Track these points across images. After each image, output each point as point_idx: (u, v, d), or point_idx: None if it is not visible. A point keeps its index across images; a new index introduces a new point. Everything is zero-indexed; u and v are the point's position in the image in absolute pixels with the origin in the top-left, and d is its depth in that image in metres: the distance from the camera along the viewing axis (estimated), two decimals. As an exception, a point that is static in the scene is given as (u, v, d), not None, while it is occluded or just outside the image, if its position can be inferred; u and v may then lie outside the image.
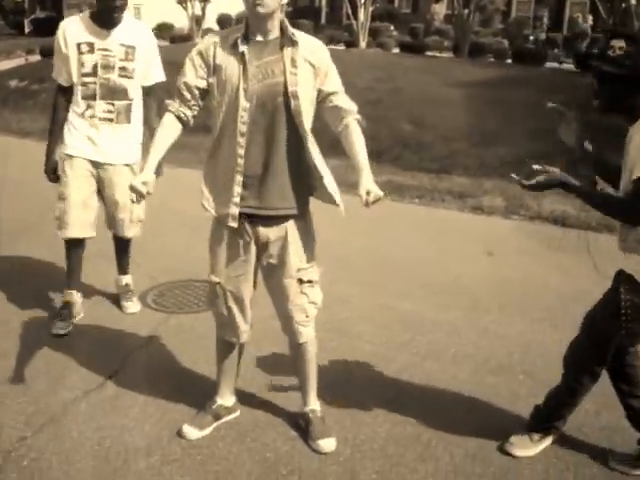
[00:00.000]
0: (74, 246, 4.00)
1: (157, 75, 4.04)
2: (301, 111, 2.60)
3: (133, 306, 4.29)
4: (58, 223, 3.93)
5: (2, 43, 30.95)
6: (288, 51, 2.59)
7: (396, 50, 21.02)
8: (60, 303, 4.10)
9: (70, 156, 3.86)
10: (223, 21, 25.49)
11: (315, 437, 2.93)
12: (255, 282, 2.89)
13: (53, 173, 3.95)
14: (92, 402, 3.23)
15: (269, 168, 2.66)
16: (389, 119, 12.39)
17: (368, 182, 2.52)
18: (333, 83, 2.71)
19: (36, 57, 23.02)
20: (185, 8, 24.33)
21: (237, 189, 2.66)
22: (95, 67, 3.77)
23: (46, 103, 15.63)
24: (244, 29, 2.60)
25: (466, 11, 19.76)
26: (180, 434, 2.97)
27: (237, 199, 2.67)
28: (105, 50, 3.78)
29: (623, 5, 16.22)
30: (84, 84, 3.79)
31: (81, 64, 3.76)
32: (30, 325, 4.03)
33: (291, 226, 2.74)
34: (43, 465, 2.77)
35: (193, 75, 2.68)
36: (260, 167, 2.66)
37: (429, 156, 10.91)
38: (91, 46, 3.76)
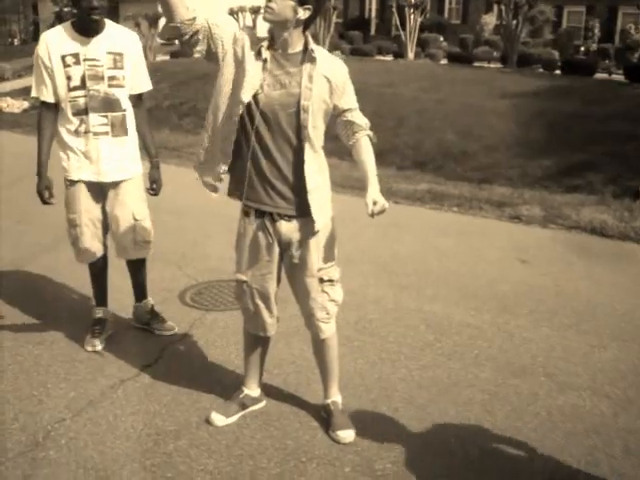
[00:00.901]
0: (95, 265, 3.96)
1: (145, 84, 3.83)
2: (307, 125, 2.75)
3: (170, 326, 4.13)
4: (73, 249, 3.88)
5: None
6: (307, 66, 2.74)
7: (444, 61, 21.07)
8: (92, 320, 4.01)
9: (73, 181, 3.71)
10: (274, 32, 25.89)
11: (335, 428, 3.06)
12: (279, 279, 3.05)
13: (47, 193, 3.70)
14: (128, 389, 3.43)
15: (281, 171, 2.82)
16: (433, 129, 12.48)
17: (375, 193, 2.66)
18: (349, 100, 2.85)
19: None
20: (237, 19, 24.85)
21: (255, 186, 2.86)
22: (83, 79, 3.54)
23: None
24: (270, 39, 2.77)
25: (514, 22, 19.70)
26: (208, 421, 3.14)
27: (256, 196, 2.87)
28: (92, 60, 3.56)
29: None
30: (73, 99, 3.55)
31: (68, 77, 3.53)
32: (72, 318, 4.26)
33: (312, 226, 2.88)
34: (80, 444, 2.97)
35: (222, 25, 2.80)
36: (272, 169, 2.81)
37: (472, 166, 10.98)
38: (76, 57, 3.53)
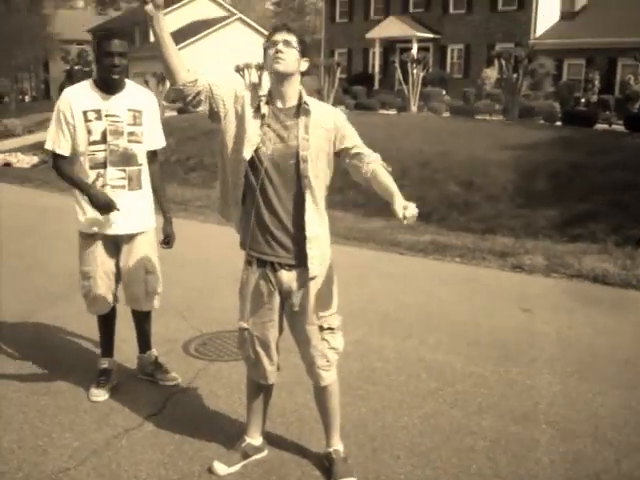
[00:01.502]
0: (104, 316, 4.00)
1: (160, 140, 3.98)
2: (308, 174, 2.86)
3: (173, 377, 4.15)
4: (85, 301, 3.93)
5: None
6: (302, 119, 2.87)
7: (447, 114, 21.38)
8: (97, 370, 4.02)
9: (88, 234, 3.80)
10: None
11: (337, 476, 3.08)
12: (281, 327, 3.11)
13: (109, 204, 3.62)
14: (132, 439, 3.46)
15: (282, 221, 2.91)
16: (437, 181, 12.64)
17: (402, 200, 2.61)
18: (352, 139, 2.93)
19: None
20: (242, 76, 25.38)
21: (257, 237, 2.96)
22: (104, 134, 3.68)
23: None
24: (267, 95, 2.90)
25: (515, 75, 20.05)
26: (210, 470, 3.15)
27: (257, 246, 2.97)
28: (113, 116, 3.70)
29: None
30: (92, 152, 3.67)
31: (88, 132, 3.65)
32: (78, 367, 4.30)
33: (314, 274, 2.95)
34: (83, 494, 2.99)
35: (222, 86, 2.94)
36: (274, 219, 2.91)
37: (475, 217, 11.10)
38: (98, 113, 3.67)
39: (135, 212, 3.80)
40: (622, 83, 24.05)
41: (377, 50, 34.06)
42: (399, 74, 23.26)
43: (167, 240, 4.05)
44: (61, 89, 47.88)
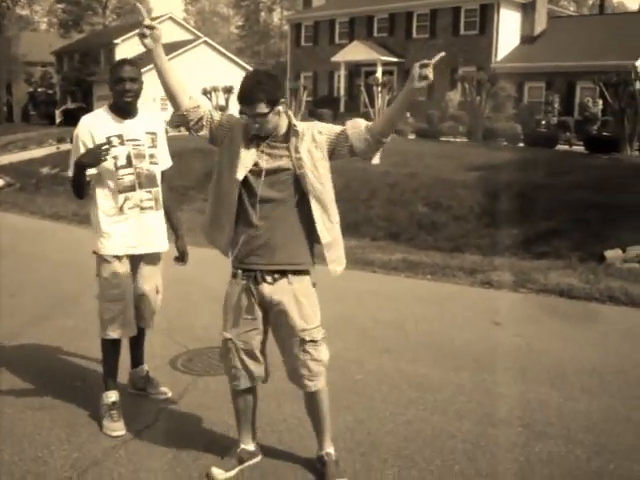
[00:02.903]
0: (118, 346, 3.98)
1: (168, 160, 4.12)
2: (311, 187, 3.11)
3: (164, 391, 4.27)
4: (110, 325, 3.85)
5: (34, 132, 32.47)
6: (293, 140, 3.12)
7: (412, 136, 21.81)
8: (106, 405, 3.91)
9: (116, 257, 3.82)
10: (246, 111, 26.68)
11: (330, 478, 3.26)
12: (266, 333, 3.30)
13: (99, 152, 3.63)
14: (130, 449, 3.60)
15: (277, 233, 3.14)
16: (405, 202, 12.93)
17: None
18: (335, 130, 3.17)
19: (67, 146, 24.16)
20: (210, 98, 25.59)
21: (243, 249, 3.17)
22: (129, 158, 3.79)
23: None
24: None
25: (478, 98, 20.60)
26: (208, 476, 3.31)
27: (244, 258, 3.17)
28: (134, 140, 3.83)
29: (627, 89, 16.91)
30: (121, 177, 3.77)
31: (114, 157, 3.73)
32: (67, 384, 4.44)
33: (295, 288, 3.17)
34: (88, 500, 3.13)
35: (218, 115, 3.19)
36: (269, 232, 3.13)
37: (443, 236, 11.39)
38: (121, 138, 3.78)
39: (158, 232, 3.95)
40: (581, 105, 24.81)
41: (342, 73, 34.60)
42: (365, 97, 23.71)
43: (181, 256, 4.18)
44: (24, 112, 47.30)
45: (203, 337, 5.31)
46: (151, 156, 3.89)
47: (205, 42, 42.22)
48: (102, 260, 3.85)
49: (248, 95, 3.01)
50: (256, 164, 3.11)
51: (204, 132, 3.16)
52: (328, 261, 3.22)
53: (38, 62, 50.34)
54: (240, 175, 3.10)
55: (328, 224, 3.20)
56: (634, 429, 3.93)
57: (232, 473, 3.34)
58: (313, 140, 3.13)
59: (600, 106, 22.06)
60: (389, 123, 3.08)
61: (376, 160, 3.18)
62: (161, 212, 3.97)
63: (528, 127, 20.79)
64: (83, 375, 4.59)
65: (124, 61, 3.87)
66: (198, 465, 3.43)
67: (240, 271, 3.21)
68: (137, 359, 4.31)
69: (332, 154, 3.17)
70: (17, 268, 7.76)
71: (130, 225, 3.81)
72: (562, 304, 6.69)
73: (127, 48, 42.59)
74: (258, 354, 3.29)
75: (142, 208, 3.84)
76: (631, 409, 4.20)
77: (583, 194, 11.78)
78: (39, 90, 49.43)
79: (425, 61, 2.92)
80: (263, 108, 3.00)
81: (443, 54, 2.94)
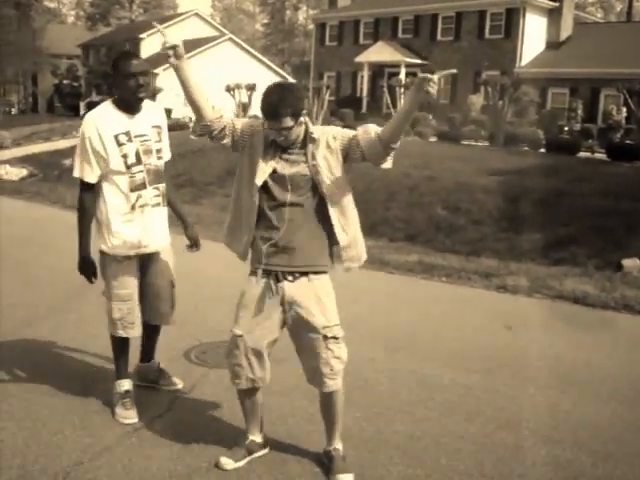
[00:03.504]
0: (127, 342, 4.00)
1: (168, 152, 4.01)
2: (328, 192, 3.19)
3: (176, 381, 4.32)
4: (120, 323, 3.85)
5: (59, 124, 32.81)
6: (310, 147, 3.19)
7: (433, 139, 21.78)
8: (119, 393, 3.96)
9: (126, 257, 3.79)
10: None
11: (336, 472, 3.31)
12: (278, 334, 3.33)
13: (93, 275, 3.83)
14: (141, 437, 3.68)
15: (297, 236, 3.20)
16: (424, 204, 12.93)
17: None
18: (348, 135, 3.21)
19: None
20: (233, 95, 25.69)
21: (265, 250, 3.22)
22: (138, 155, 3.70)
23: (100, 181, 16.67)
24: None
25: (500, 102, 20.54)
26: (217, 465, 3.38)
27: (265, 259, 3.23)
28: (141, 136, 3.73)
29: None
30: (132, 175, 3.69)
31: (124, 155, 3.66)
32: (81, 372, 4.53)
33: (316, 287, 3.24)
34: (98, 484, 3.21)
35: (239, 123, 3.26)
36: (289, 235, 3.19)
37: (461, 239, 11.38)
38: (128, 135, 3.68)
39: (163, 228, 3.92)
40: (605, 113, 24.66)
41: (366, 74, 34.61)
42: (387, 98, 23.73)
43: (194, 243, 4.13)
44: (49, 103, 47.80)
45: (217, 331, 5.36)
46: (158, 151, 3.83)
47: (230, 39, 42.39)
48: (112, 260, 3.79)
49: (273, 111, 3.05)
50: (275, 170, 3.19)
51: (226, 141, 3.26)
52: (344, 259, 3.30)
53: (64, 54, 50.85)
54: (259, 181, 3.19)
55: (346, 227, 3.27)
56: (642, 437, 3.94)
57: (241, 463, 3.40)
58: (328, 147, 3.19)
59: (624, 114, 21.91)
60: (396, 130, 3.11)
61: (388, 164, 3.21)
62: (166, 208, 3.93)
63: (550, 133, 20.67)
64: (98, 364, 4.67)
65: (129, 54, 3.77)
66: (207, 454, 3.50)
67: (260, 271, 3.27)
68: (149, 354, 4.31)
69: (346, 159, 3.22)
70: (35, 257, 7.88)
71: (141, 224, 3.76)
72: (576, 311, 6.67)
73: (153, 43, 42.92)
74: (265, 355, 3.32)
75: (152, 206, 3.79)
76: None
77: (603, 201, 11.72)
78: (65, 82, 49.93)
79: (428, 75, 2.93)
80: (288, 122, 3.07)
81: (454, 71, 2.96)
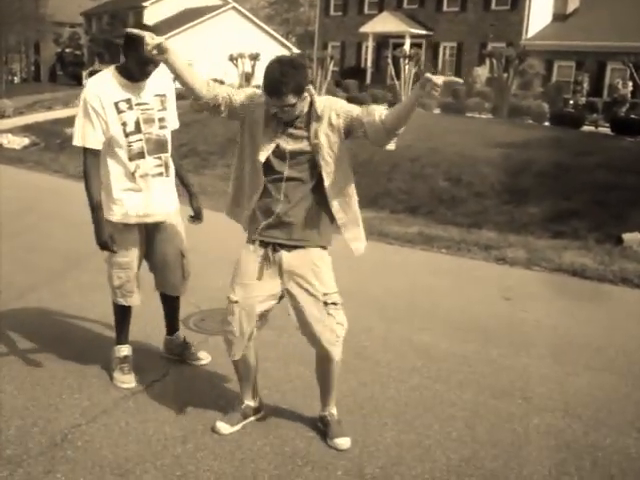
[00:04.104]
0: (128, 309, 4.01)
1: (176, 121, 3.93)
2: (327, 170, 3.18)
3: (204, 355, 4.30)
4: (119, 292, 3.88)
5: (61, 93, 32.68)
6: (313, 125, 3.17)
7: (437, 110, 21.64)
8: (117, 358, 4.02)
9: (126, 225, 3.76)
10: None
11: (333, 436, 3.37)
12: (274, 302, 3.36)
13: (111, 240, 3.67)
14: (139, 401, 3.73)
15: (296, 211, 3.22)
16: (426, 176, 12.92)
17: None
18: (351, 113, 3.16)
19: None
20: (236, 65, 25.53)
21: (264, 222, 3.24)
22: (137, 123, 3.64)
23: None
24: None
25: (505, 75, 20.38)
26: (213, 429, 3.43)
27: (264, 231, 3.26)
28: (143, 104, 3.67)
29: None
30: (130, 144, 3.63)
31: (123, 123, 3.60)
32: (81, 337, 4.58)
33: (313, 256, 3.26)
34: (95, 446, 3.26)
35: (239, 95, 3.24)
36: (288, 210, 3.21)
37: (462, 211, 11.39)
38: (129, 102, 3.62)
39: (168, 198, 3.85)
40: (610, 87, 24.41)
41: (370, 44, 34.31)
42: (391, 69, 23.52)
43: (197, 215, 4.09)
44: (52, 72, 47.46)
45: (216, 298, 5.37)
46: (160, 120, 3.74)
47: (234, 8, 42.01)
48: (112, 227, 3.72)
49: (275, 88, 3.01)
50: (277, 145, 3.18)
51: (224, 115, 3.26)
52: (347, 240, 3.33)
53: (67, 23, 50.46)
54: (262, 157, 3.18)
55: (344, 205, 3.27)
56: (633, 407, 3.98)
57: (237, 427, 3.46)
58: (330, 124, 3.17)
59: (630, 88, 21.69)
60: (399, 120, 3.08)
61: (391, 147, 3.21)
62: (172, 178, 3.86)
63: (555, 106, 20.50)
64: (97, 330, 4.72)
65: (145, 27, 3.58)
66: (203, 418, 3.55)
67: (257, 241, 3.29)
68: (173, 326, 4.29)
69: (348, 135, 3.21)
70: (36, 225, 7.91)
71: (141, 193, 3.71)
72: (574, 283, 6.70)
73: (156, 10, 42.63)
74: (254, 324, 3.32)
75: (152, 175, 3.72)
76: (632, 387, 4.25)
77: (605, 175, 11.70)
78: (67, 51, 49.64)
79: (433, 79, 2.84)
80: (291, 99, 3.04)
81: (460, 81, 2.90)
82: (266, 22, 48.44)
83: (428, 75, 2.87)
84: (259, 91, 3.25)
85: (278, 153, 3.19)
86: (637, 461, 3.39)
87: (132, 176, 3.68)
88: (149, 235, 3.90)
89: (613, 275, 6.80)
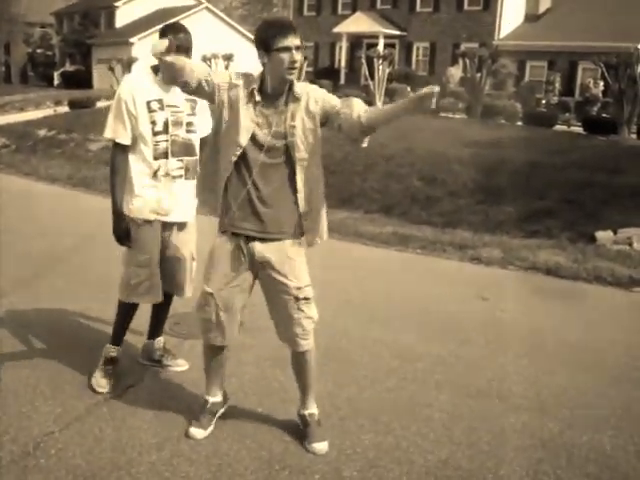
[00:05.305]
0: (135, 310, 3.98)
1: (208, 127, 3.86)
2: (299, 157, 3.13)
3: (182, 363, 4.26)
4: (138, 291, 3.83)
5: (32, 94, 32.24)
6: (291, 106, 3.12)
7: (411, 110, 21.69)
8: (104, 358, 3.98)
9: (146, 221, 3.77)
10: (246, 79, 26.53)
11: (311, 440, 3.34)
12: (249, 292, 3.35)
13: (127, 235, 3.76)
14: (112, 407, 3.67)
15: (269, 199, 3.17)
16: (400, 175, 12.94)
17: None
18: (329, 103, 3.14)
19: (64, 108, 24.04)
20: (210, 65, 25.39)
21: (237, 212, 3.20)
22: (166, 124, 3.70)
23: (73, 152, 16.45)
24: (259, 82, 3.12)
25: (479, 75, 20.51)
26: (188, 435, 3.39)
27: (237, 221, 3.21)
28: (174, 106, 3.72)
29: (627, 72, 16.84)
30: (156, 143, 3.69)
31: (153, 122, 3.67)
32: (54, 343, 4.49)
33: (286, 249, 3.22)
34: (68, 454, 3.20)
35: (218, 74, 3.18)
36: (261, 197, 3.16)
37: (436, 211, 11.41)
38: (161, 103, 3.68)
39: (186, 202, 3.83)
40: (582, 86, 24.71)
41: (344, 45, 34.36)
42: (365, 69, 23.55)
43: None
44: (23, 73, 46.74)
45: (190, 302, 5.32)
46: (189, 124, 3.78)
47: (207, 8, 41.75)
48: (132, 223, 3.76)
49: (289, 26, 3.00)
50: (254, 130, 3.12)
51: (203, 95, 3.19)
52: (304, 230, 3.25)
53: (37, 23, 49.74)
54: (243, 140, 3.12)
55: (309, 194, 3.21)
56: (608, 404, 4.00)
57: (210, 429, 3.43)
58: (307, 110, 3.14)
59: (601, 87, 21.96)
60: (384, 121, 3.06)
61: (364, 144, 3.18)
62: (192, 182, 3.78)
63: (528, 106, 20.69)
64: (69, 334, 4.65)
65: (180, 27, 3.72)
66: (178, 424, 3.50)
67: (229, 232, 3.25)
68: (157, 330, 4.26)
69: (323, 124, 3.17)
70: (6, 229, 7.77)
71: (161, 191, 3.74)
72: (548, 282, 6.75)
73: (128, 11, 42.28)
74: (236, 313, 3.32)
75: (173, 177, 3.75)
76: (606, 386, 4.28)
77: (578, 175, 11.80)
78: (38, 51, 48.96)
79: (435, 89, 2.79)
80: (300, 40, 3.02)
81: (437, 89, 2.83)
82: (240, 22, 48.23)
83: (431, 88, 2.79)
84: (234, 75, 3.18)
85: (254, 138, 3.13)
86: (613, 458, 3.41)
87: (154, 174, 3.72)
88: (164, 235, 3.89)
89: (587, 273, 6.87)
